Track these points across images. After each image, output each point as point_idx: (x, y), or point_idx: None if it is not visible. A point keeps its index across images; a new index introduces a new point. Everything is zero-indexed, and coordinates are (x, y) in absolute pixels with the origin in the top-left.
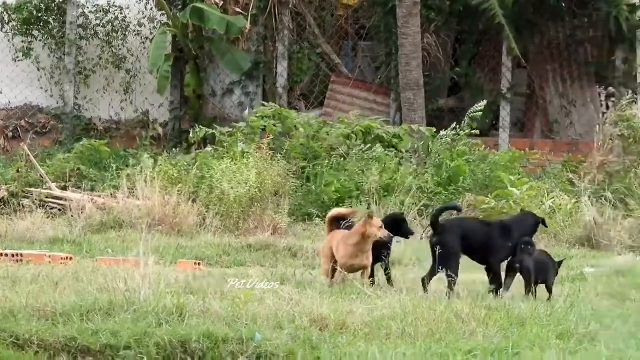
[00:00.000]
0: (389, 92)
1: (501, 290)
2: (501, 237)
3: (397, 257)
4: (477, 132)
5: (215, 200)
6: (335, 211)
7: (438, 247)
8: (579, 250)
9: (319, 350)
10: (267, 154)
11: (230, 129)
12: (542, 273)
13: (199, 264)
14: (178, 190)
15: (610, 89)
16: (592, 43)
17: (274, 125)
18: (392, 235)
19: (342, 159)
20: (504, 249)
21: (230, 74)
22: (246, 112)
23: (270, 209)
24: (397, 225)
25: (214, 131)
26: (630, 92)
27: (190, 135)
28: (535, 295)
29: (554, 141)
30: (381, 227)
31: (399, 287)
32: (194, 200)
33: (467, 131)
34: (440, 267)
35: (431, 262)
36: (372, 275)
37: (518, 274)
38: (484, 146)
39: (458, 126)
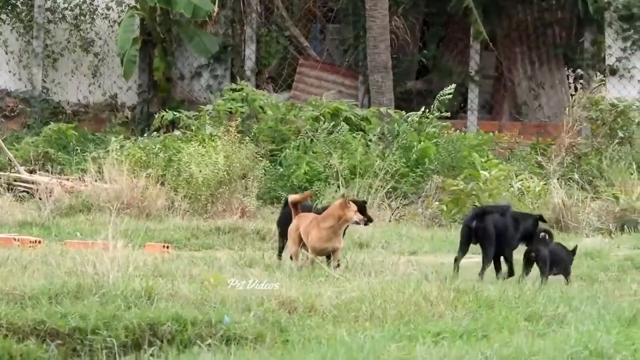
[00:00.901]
0: (357, 74)
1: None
2: (515, 228)
3: (365, 240)
4: (448, 114)
5: (184, 183)
6: (291, 197)
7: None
8: None
9: (287, 333)
10: (235, 137)
11: (198, 112)
12: (558, 264)
13: (168, 247)
14: (146, 174)
15: (579, 71)
16: (560, 25)
17: (241, 107)
18: (365, 219)
19: (310, 141)
20: (516, 239)
21: (198, 57)
22: (212, 95)
23: (239, 191)
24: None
25: (180, 115)
26: (598, 74)
27: (156, 119)
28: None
29: (522, 123)
30: (357, 211)
31: (367, 270)
32: (162, 184)
33: (436, 114)
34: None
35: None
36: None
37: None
38: (452, 128)
39: (427, 110)
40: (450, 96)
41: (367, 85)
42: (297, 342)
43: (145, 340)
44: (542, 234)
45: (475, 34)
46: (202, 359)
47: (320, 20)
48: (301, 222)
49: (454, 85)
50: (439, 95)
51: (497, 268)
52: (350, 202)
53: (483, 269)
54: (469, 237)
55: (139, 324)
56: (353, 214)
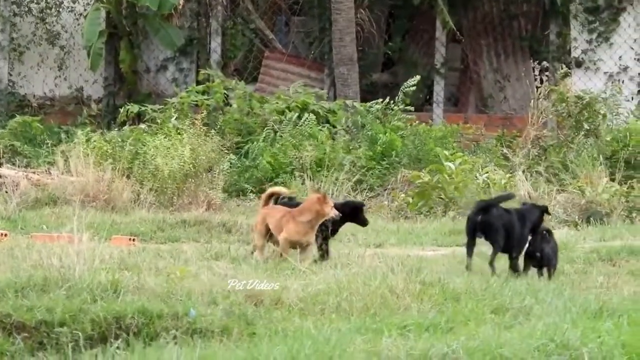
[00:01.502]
0: (322, 67)
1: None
2: (521, 225)
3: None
4: (412, 108)
5: (149, 176)
6: (273, 189)
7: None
8: None
9: (254, 326)
10: (201, 130)
11: (163, 106)
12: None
13: (134, 239)
14: (112, 167)
15: (545, 63)
16: (526, 17)
17: (207, 100)
18: (341, 214)
19: (276, 134)
20: (525, 238)
21: (164, 50)
22: (177, 87)
23: (205, 184)
24: (355, 213)
25: (146, 108)
26: (564, 66)
27: (121, 112)
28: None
29: (488, 116)
30: (333, 206)
31: (333, 262)
32: (128, 176)
33: (400, 106)
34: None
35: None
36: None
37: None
38: (417, 121)
39: (392, 101)
40: (414, 88)
41: (333, 77)
42: (263, 335)
43: (111, 333)
44: (543, 232)
45: (442, 24)
46: (168, 352)
47: (286, 13)
48: (270, 215)
49: (417, 77)
50: (402, 87)
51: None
52: (328, 197)
53: (492, 258)
54: (474, 232)
55: (105, 317)
56: (330, 209)
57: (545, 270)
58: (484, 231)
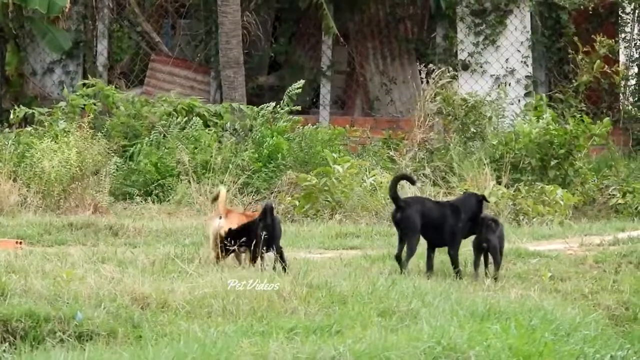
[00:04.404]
0: (209, 70)
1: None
2: (454, 219)
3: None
4: (299, 108)
5: (36, 179)
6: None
7: (402, 222)
8: None
9: (140, 329)
10: (88, 133)
11: (51, 109)
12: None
13: (20, 243)
14: None
15: (431, 65)
16: (412, 20)
17: (94, 104)
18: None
19: (163, 137)
20: (459, 231)
21: (51, 53)
22: (65, 90)
23: (91, 187)
24: None
25: (34, 110)
26: (450, 69)
27: (11, 116)
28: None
29: (374, 118)
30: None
31: (220, 265)
32: (14, 179)
33: (286, 109)
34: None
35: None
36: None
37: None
38: (305, 124)
39: (278, 104)
40: (299, 91)
41: (219, 80)
42: (150, 338)
43: None
44: (489, 222)
45: (325, 29)
46: (55, 356)
47: (172, 16)
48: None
49: (302, 81)
50: (287, 90)
51: (429, 265)
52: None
53: (407, 257)
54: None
55: None
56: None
57: (496, 263)
58: (402, 228)
